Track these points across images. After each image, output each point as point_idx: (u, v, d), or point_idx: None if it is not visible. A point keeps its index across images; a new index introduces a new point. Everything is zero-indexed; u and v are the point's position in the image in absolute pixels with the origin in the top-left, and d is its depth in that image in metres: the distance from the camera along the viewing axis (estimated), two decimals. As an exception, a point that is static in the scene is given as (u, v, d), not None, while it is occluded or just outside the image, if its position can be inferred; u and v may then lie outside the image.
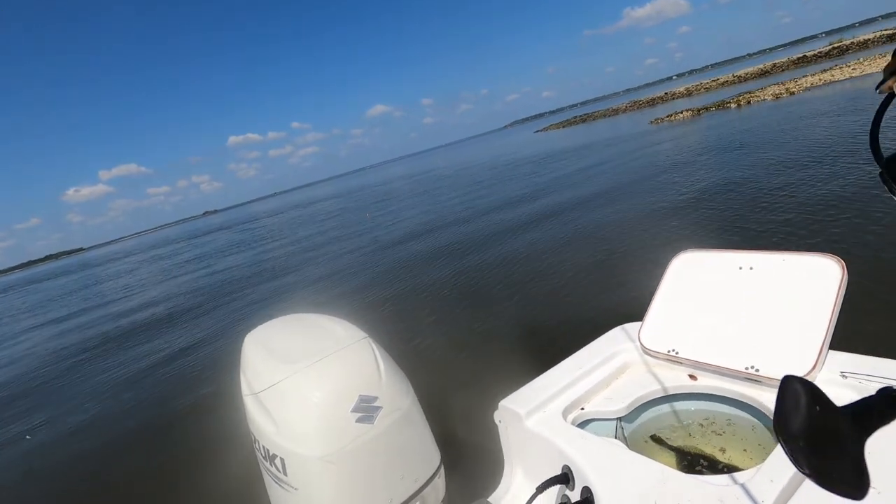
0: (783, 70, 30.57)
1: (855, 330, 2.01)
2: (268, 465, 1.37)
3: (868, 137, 0.51)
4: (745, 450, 1.49)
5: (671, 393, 1.58)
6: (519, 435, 1.56)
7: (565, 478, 1.33)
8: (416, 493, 1.37)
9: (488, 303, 5.42)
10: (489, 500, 1.58)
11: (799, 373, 1.29)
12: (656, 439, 1.63)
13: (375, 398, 1.33)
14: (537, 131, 59.01)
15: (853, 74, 17.46)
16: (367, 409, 1.31)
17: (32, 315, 18.04)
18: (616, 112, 41.42)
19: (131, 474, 3.90)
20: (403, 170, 64.05)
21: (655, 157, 12.31)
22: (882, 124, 0.49)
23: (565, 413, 1.54)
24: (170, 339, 7.89)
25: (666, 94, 39.52)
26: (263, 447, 1.37)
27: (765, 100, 17.63)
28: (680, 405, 1.61)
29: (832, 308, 1.31)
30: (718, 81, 34.90)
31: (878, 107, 0.49)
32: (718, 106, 19.50)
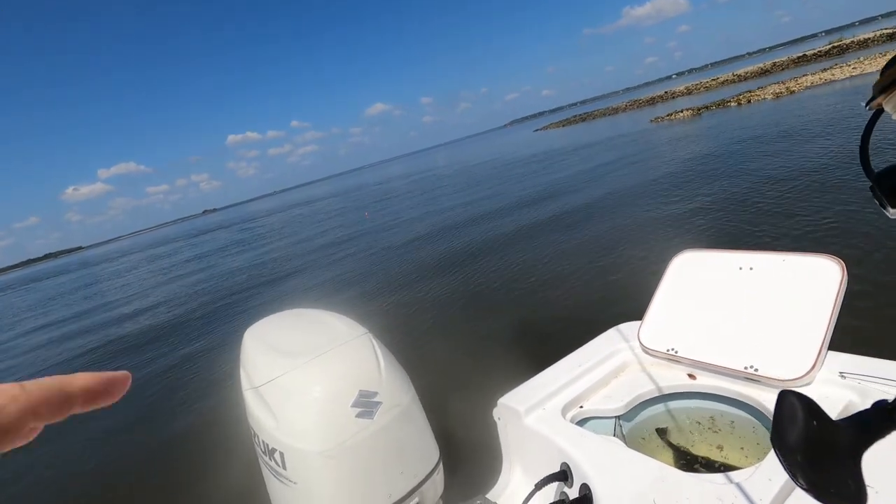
0: (783, 69, 30.55)
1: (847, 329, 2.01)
2: (267, 459, 1.37)
3: (858, 152, 0.51)
4: (742, 448, 1.50)
5: (670, 392, 1.58)
6: (518, 432, 1.56)
7: (564, 475, 1.33)
8: (415, 489, 1.38)
9: (488, 300, 5.42)
10: (487, 496, 1.58)
11: (798, 373, 1.29)
12: (655, 438, 1.64)
13: (375, 394, 1.34)
14: (536, 130, 58.93)
15: (853, 74, 17.45)
16: (366, 405, 1.31)
17: (33, 315, 18.01)
18: (616, 111, 41.36)
19: (130, 468, 3.91)
20: (403, 169, 63.97)
21: (656, 156, 12.30)
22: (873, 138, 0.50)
23: (564, 411, 1.54)
24: (170, 337, 7.90)
25: (666, 92, 39.48)
26: (263, 441, 1.37)
27: (765, 99, 17.62)
28: (679, 404, 1.61)
29: (832, 309, 1.31)
30: (718, 80, 34.87)
31: (866, 122, 0.49)
32: (719, 105, 19.49)
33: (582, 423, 1.56)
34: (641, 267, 4.77)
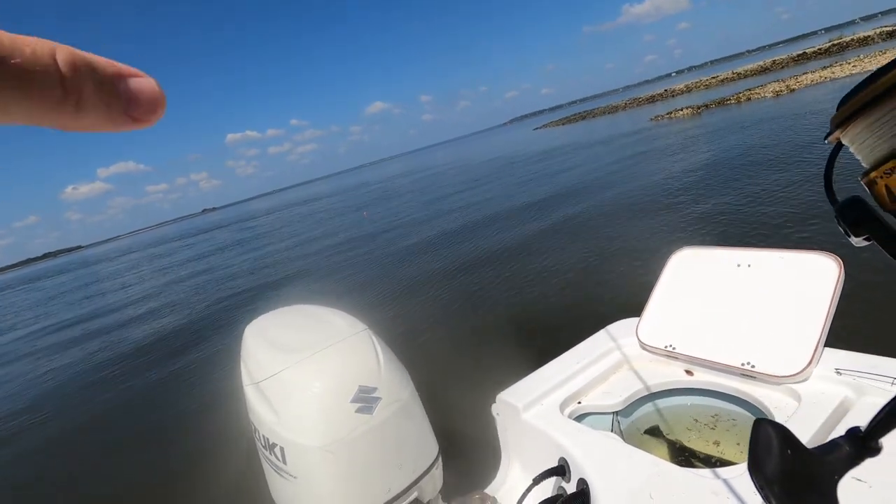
0: (783, 67, 30.48)
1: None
2: (267, 453, 1.38)
3: (823, 182, 0.53)
4: (739, 444, 1.51)
5: (668, 388, 1.59)
6: (516, 427, 1.57)
7: (561, 470, 1.34)
8: (414, 483, 1.39)
9: (487, 297, 5.43)
10: (486, 490, 1.60)
11: (794, 369, 1.30)
12: (652, 433, 1.65)
13: (375, 389, 1.35)
14: (536, 128, 58.84)
15: (853, 72, 17.41)
16: (366, 400, 1.32)
17: (33, 314, 18.01)
18: (616, 109, 41.25)
19: (131, 463, 3.92)
20: (402, 167, 63.93)
21: (655, 154, 12.30)
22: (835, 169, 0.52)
23: (562, 406, 1.55)
24: (170, 335, 7.91)
25: (666, 91, 39.39)
26: (263, 436, 1.38)
27: (765, 97, 17.59)
28: (676, 400, 1.62)
29: (828, 306, 1.32)
30: (718, 78, 34.80)
31: (828, 155, 0.51)
32: (718, 103, 19.45)
33: (580, 418, 1.57)
34: (640, 264, 4.77)
